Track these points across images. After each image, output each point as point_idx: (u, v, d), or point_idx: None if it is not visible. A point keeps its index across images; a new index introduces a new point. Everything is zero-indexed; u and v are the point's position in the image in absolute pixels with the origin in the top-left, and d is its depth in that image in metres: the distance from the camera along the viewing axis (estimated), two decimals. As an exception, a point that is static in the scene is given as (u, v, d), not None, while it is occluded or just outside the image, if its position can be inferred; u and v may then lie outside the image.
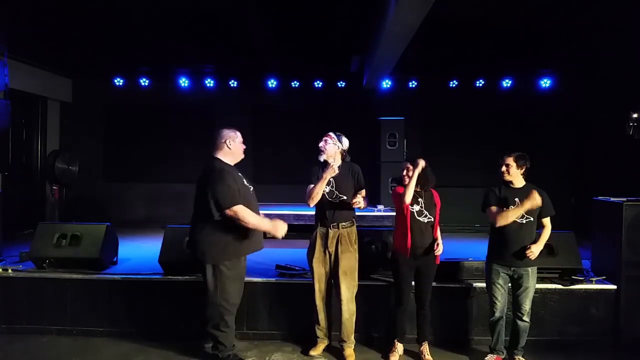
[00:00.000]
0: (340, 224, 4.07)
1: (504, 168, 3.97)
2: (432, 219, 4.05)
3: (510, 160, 3.95)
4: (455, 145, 9.07)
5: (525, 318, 4.01)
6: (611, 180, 7.11)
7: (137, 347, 4.44)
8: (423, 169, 3.95)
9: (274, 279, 4.77)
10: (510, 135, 8.80)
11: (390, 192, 4.78)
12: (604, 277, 4.77)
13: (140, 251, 6.18)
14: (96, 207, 9.21)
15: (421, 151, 9.12)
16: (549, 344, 4.54)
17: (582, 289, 4.66)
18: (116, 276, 4.84)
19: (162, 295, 4.74)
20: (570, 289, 4.65)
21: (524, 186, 3.98)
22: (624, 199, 4.66)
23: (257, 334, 4.69)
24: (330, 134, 4.19)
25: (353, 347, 4.22)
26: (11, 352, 4.35)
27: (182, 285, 4.74)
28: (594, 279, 4.74)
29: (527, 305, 4.00)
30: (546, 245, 4.79)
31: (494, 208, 3.96)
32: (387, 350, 4.28)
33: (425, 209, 4.03)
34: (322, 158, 4.10)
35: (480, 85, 8.98)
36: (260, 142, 9.36)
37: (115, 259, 5.36)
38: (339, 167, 4.07)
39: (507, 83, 8.95)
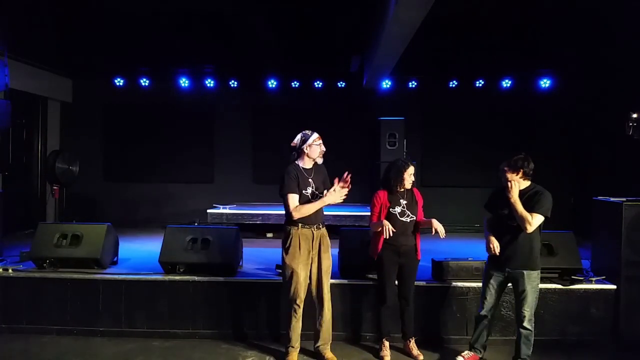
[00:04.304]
0: (321, 224, 4.06)
1: (508, 184, 3.78)
2: (414, 217, 4.15)
3: (509, 175, 3.79)
4: (455, 146, 9.07)
5: (527, 324, 3.78)
6: (611, 180, 7.12)
7: (137, 347, 4.45)
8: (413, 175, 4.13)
9: (274, 279, 4.77)
10: (510, 135, 8.80)
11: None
12: (604, 277, 4.77)
13: (141, 251, 6.18)
14: (96, 207, 9.22)
15: (421, 151, 9.15)
16: (549, 344, 4.53)
17: (582, 289, 4.66)
18: (116, 276, 4.84)
19: (162, 295, 4.74)
20: (570, 288, 4.64)
21: (526, 187, 3.82)
22: (624, 199, 4.65)
23: (257, 334, 4.69)
24: (316, 133, 4.05)
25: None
26: (11, 352, 4.35)
27: (182, 285, 4.75)
28: (594, 278, 4.74)
29: (526, 311, 3.77)
30: (546, 245, 4.84)
31: (488, 216, 4.08)
32: (378, 350, 4.30)
33: (407, 209, 4.12)
34: (320, 160, 4.07)
35: (480, 85, 8.97)
36: (260, 142, 9.38)
37: (115, 259, 5.37)
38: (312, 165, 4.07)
39: (507, 83, 8.95)
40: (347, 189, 3.86)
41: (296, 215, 3.87)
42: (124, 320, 4.72)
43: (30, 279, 4.83)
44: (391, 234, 3.91)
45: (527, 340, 3.84)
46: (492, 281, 3.97)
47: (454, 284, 4.67)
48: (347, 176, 3.86)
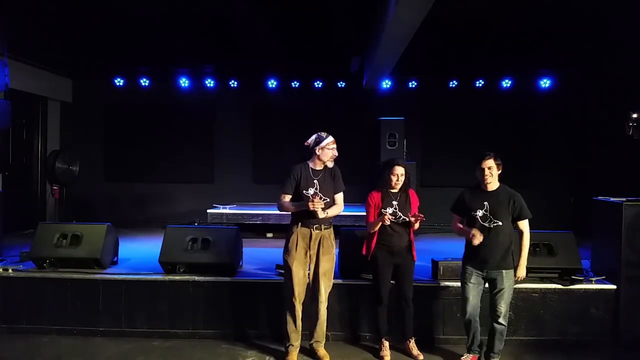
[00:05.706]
0: (322, 226, 4.03)
1: (487, 172, 3.82)
2: (407, 219, 4.12)
3: (491, 163, 3.83)
4: (455, 146, 9.06)
5: (502, 320, 3.89)
6: (611, 180, 7.11)
7: (137, 347, 4.45)
8: (406, 175, 4.12)
9: (274, 279, 4.77)
10: (510, 135, 8.81)
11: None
12: (604, 277, 4.77)
13: (141, 251, 6.18)
14: (96, 207, 9.22)
15: (421, 151, 9.15)
16: (548, 344, 4.54)
17: (581, 289, 4.66)
18: (116, 276, 4.84)
19: (162, 295, 4.74)
20: (570, 288, 4.64)
21: (497, 189, 3.90)
22: (624, 199, 4.65)
23: (257, 334, 4.69)
24: (331, 137, 4.05)
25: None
26: (11, 352, 4.35)
27: (182, 285, 4.75)
28: (594, 278, 4.74)
29: (502, 307, 3.87)
30: (546, 245, 4.84)
31: (457, 218, 4.09)
32: (377, 349, 4.30)
33: (399, 210, 4.10)
34: (330, 164, 4.05)
35: (480, 85, 8.97)
36: (260, 142, 9.39)
37: (115, 259, 5.37)
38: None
39: (507, 83, 8.95)
40: (311, 206, 3.85)
41: (278, 207, 4.06)
42: (124, 320, 4.72)
43: (30, 279, 4.83)
44: (391, 218, 3.97)
45: (502, 335, 3.96)
46: (472, 280, 3.96)
47: (454, 284, 4.66)
48: (314, 197, 3.90)
